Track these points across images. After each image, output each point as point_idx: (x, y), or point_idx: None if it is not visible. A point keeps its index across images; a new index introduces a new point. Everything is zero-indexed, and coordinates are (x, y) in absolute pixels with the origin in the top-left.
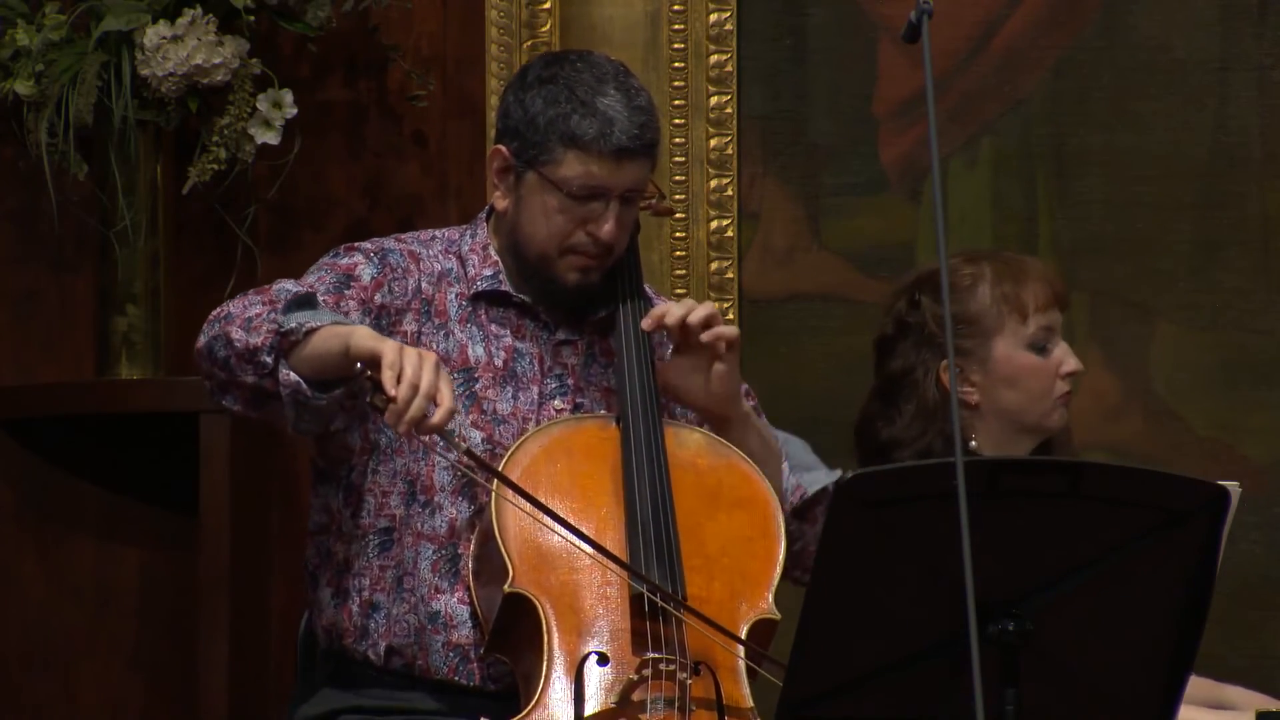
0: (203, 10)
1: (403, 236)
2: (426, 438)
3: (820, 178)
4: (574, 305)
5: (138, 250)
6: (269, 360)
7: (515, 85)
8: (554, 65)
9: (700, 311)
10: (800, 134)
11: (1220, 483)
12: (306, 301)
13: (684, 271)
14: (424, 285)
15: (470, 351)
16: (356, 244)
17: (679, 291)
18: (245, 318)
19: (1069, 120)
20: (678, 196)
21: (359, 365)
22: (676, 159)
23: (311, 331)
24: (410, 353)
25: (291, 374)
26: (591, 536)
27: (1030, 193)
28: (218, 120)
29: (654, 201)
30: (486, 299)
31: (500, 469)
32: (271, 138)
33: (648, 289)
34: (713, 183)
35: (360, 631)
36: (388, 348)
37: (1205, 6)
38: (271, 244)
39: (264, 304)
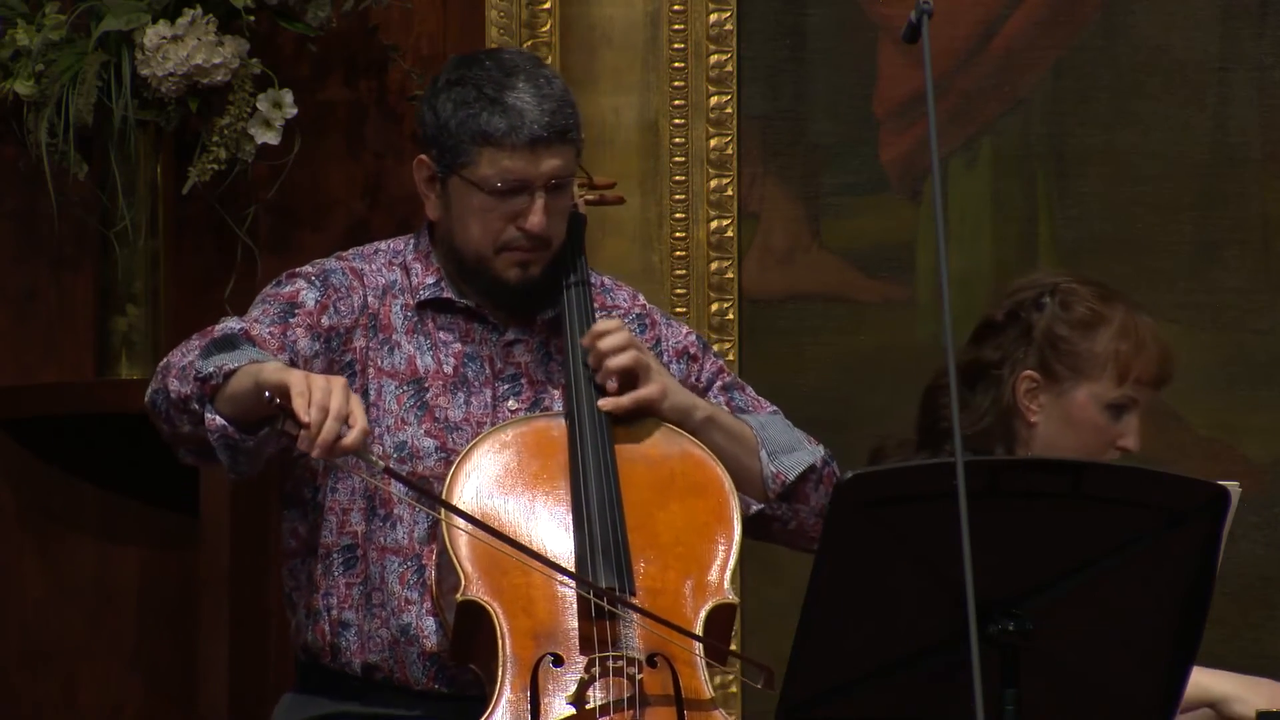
0: (203, 10)
1: (344, 254)
2: (343, 460)
3: (820, 178)
4: (520, 303)
5: (138, 250)
6: (199, 408)
7: (428, 92)
8: (462, 67)
9: (610, 340)
10: (800, 134)
11: (1220, 483)
12: (229, 343)
13: (684, 271)
14: (370, 300)
15: (419, 362)
16: (298, 270)
17: (679, 292)
18: (180, 367)
19: (1069, 120)
20: (677, 196)
21: (267, 395)
22: (676, 159)
23: (231, 373)
24: (318, 379)
25: (217, 418)
26: (540, 537)
27: (1030, 193)
28: (218, 120)
29: (603, 192)
30: (432, 307)
31: (450, 474)
32: (271, 138)
33: (606, 279)
34: (713, 183)
35: (333, 650)
36: (295, 377)
37: (1205, 6)
38: (271, 244)
39: (200, 350)
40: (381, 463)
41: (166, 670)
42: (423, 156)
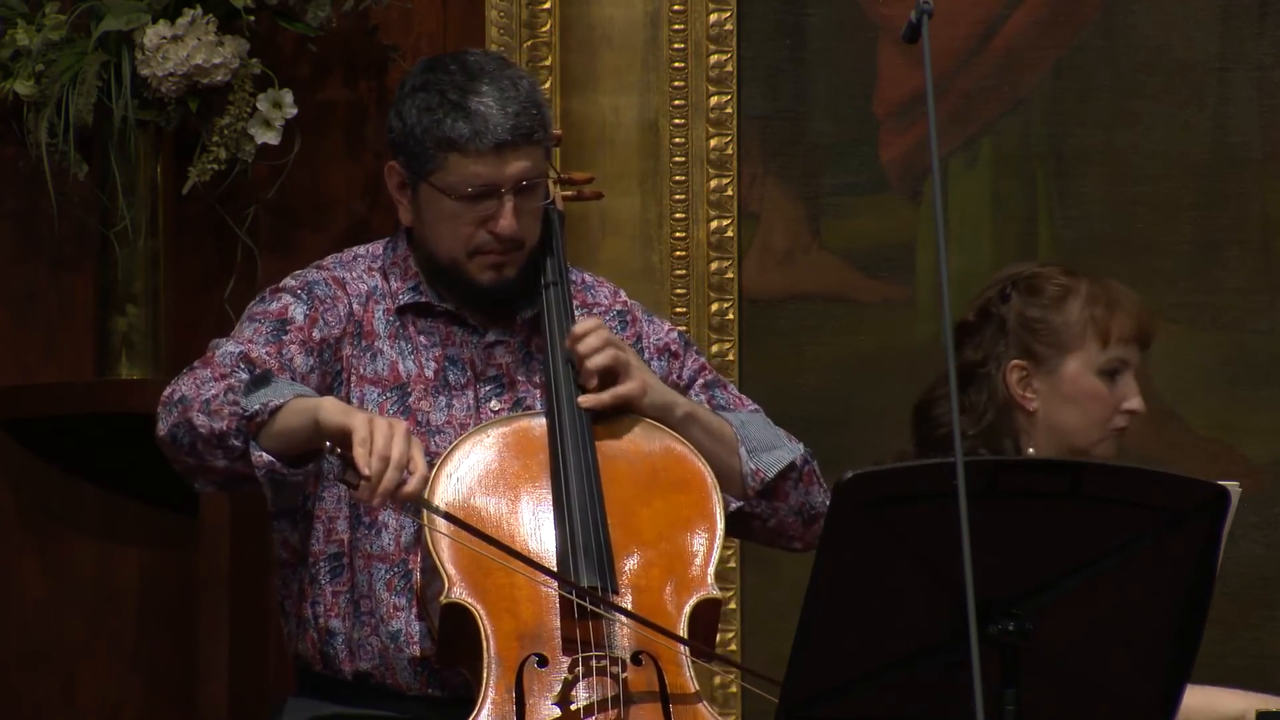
0: (203, 10)
1: (324, 263)
2: (407, 507)
3: (820, 178)
4: (498, 304)
5: (138, 250)
6: (238, 444)
7: (396, 97)
8: (427, 72)
9: (589, 341)
10: (800, 134)
11: (1220, 483)
12: (264, 378)
13: (684, 271)
14: (354, 307)
15: (401, 367)
16: (281, 285)
17: (679, 292)
18: (203, 400)
19: (1069, 120)
20: (677, 196)
21: (329, 444)
22: (676, 159)
23: (276, 410)
24: (380, 424)
25: (264, 455)
26: (523, 537)
27: (1030, 193)
28: (218, 120)
29: (581, 188)
30: (413, 311)
31: (431, 475)
32: (271, 138)
33: (587, 276)
34: (713, 183)
35: (323, 658)
36: (357, 422)
37: (1205, 6)
38: (271, 244)
39: (216, 380)
40: (442, 507)
41: (166, 670)
42: (393, 163)
